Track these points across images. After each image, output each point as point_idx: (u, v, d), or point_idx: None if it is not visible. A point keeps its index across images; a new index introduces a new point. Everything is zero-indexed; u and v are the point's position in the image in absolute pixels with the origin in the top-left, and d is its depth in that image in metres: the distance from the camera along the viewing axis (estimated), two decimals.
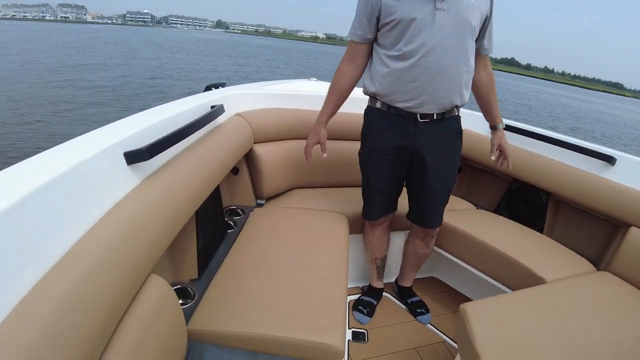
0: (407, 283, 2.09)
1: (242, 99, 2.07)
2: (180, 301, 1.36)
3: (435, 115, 1.55)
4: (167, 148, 1.13)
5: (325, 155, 1.70)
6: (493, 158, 1.77)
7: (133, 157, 1.00)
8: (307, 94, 2.28)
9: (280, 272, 1.40)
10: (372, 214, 1.83)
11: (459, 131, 1.65)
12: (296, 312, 1.22)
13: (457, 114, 1.61)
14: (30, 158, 0.83)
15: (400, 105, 1.55)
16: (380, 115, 1.63)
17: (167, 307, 0.96)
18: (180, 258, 1.40)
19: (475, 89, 1.68)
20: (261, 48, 59.36)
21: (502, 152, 1.77)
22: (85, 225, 0.82)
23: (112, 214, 0.89)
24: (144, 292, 0.92)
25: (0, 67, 14.58)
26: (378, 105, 1.62)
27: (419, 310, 2.02)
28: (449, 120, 1.59)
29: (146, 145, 1.03)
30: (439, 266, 2.35)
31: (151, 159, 1.06)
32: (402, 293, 2.11)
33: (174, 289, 1.37)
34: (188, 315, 1.22)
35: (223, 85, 2.39)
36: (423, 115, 1.54)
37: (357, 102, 1.75)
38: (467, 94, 1.59)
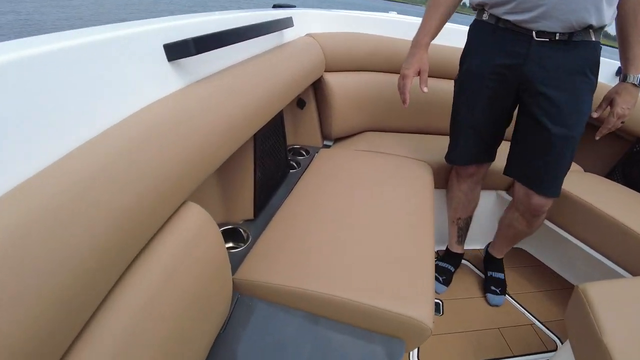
0: (497, 254, 1.74)
1: (315, 19, 1.76)
2: (231, 244, 1.16)
3: (557, 35, 1.12)
4: (218, 46, 0.87)
5: (425, 89, 1.33)
6: (595, 115, 1.28)
7: (175, 50, 0.76)
8: (391, 19, 1.90)
9: (352, 224, 1.14)
10: (459, 157, 1.47)
11: (595, 62, 1.18)
12: (374, 273, 0.96)
13: (592, 38, 1.15)
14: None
15: (511, 18, 1.16)
16: (485, 31, 1.25)
17: (205, 242, 0.74)
18: (234, 192, 1.19)
19: (619, 9, 1.17)
20: None
21: (612, 110, 1.25)
22: (101, 123, 0.60)
23: (142, 115, 0.66)
24: (178, 218, 0.71)
25: None
26: (485, 17, 1.24)
27: (492, 288, 1.68)
28: (580, 46, 1.14)
29: (193, 37, 0.78)
30: (532, 237, 1.96)
31: (199, 60, 0.82)
32: (488, 262, 1.77)
33: (225, 229, 1.17)
34: (238, 261, 1.02)
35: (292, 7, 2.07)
36: (540, 34, 1.13)
37: (451, 33, 1.44)
38: (610, 12, 1.12)
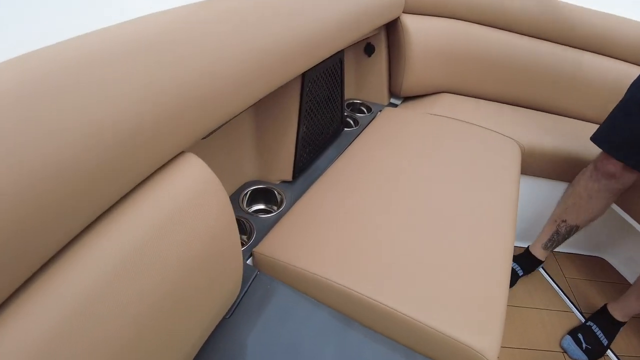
0: (621, 315, 1.28)
1: None
2: (261, 206, 0.99)
3: None
4: None
5: None
6: None
7: None
8: None
9: (411, 209, 0.91)
10: (618, 143, 1.11)
11: None
12: (430, 280, 0.74)
13: None
14: None
15: None
16: None
17: (206, 204, 0.55)
18: (272, 145, 1.00)
19: None
20: None
21: None
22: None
23: (149, 20, 0.47)
24: (176, 168, 0.53)
25: None
26: None
27: (579, 336, 1.29)
28: None
29: None
30: (614, 244, 1.61)
31: None
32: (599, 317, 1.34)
33: (256, 188, 0.99)
34: (266, 229, 0.85)
35: None
36: None
37: None
38: None
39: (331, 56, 1.02)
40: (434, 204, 0.93)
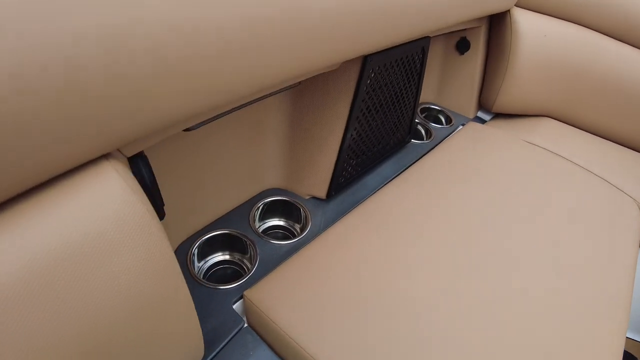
0: None
1: None
2: (281, 221, 0.76)
3: None
4: None
5: None
6: None
7: None
8: None
9: (487, 272, 0.61)
10: None
11: None
12: None
13: None
14: None
15: None
16: None
17: (123, 239, 0.32)
18: (305, 150, 0.75)
19: None
20: None
21: None
22: None
23: None
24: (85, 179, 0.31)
25: None
26: None
27: None
28: None
29: None
30: None
31: None
32: None
33: (276, 199, 0.76)
34: (278, 259, 0.62)
35: None
36: None
37: None
38: None
39: (410, 42, 0.74)
40: (518, 272, 0.62)
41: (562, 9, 1.07)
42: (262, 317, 0.54)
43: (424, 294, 0.56)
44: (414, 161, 0.94)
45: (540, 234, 0.71)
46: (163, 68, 0.30)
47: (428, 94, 1.21)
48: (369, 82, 0.69)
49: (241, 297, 0.60)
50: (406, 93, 0.85)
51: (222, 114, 0.53)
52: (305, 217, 0.75)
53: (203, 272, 0.70)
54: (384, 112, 0.81)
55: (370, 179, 0.87)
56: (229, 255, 0.72)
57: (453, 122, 1.14)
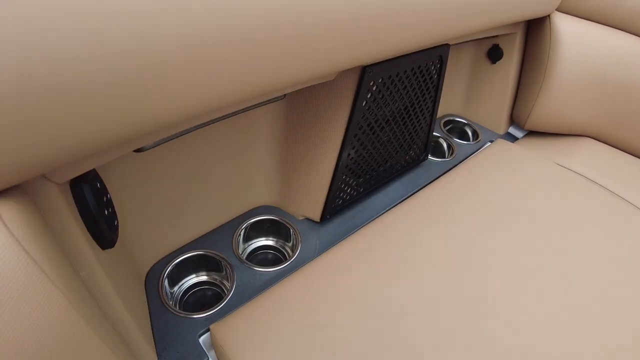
0: None
1: None
2: (269, 241, 0.69)
3: None
4: None
5: None
6: None
7: None
8: None
9: (496, 317, 0.52)
10: None
11: None
12: None
13: None
14: None
15: None
16: None
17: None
18: (297, 167, 0.69)
19: None
20: None
21: None
22: None
23: None
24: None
25: None
26: None
27: None
28: None
29: None
30: None
31: None
32: None
33: (263, 219, 0.70)
34: (264, 283, 0.56)
35: None
36: None
37: None
38: None
39: (423, 50, 0.66)
40: (547, 333, 0.51)
41: (612, 16, 0.93)
42: (227, 356, 0.48)
43: (420, 349, 0.48)
44: (429, 181, 0.85)
45: (571, 280, 0.59)
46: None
47: (454, 105, 1.10)
48: (369, 96, 0.61)
49: (208, 330, 0.55)
50: (420, 107, 0.76)
51: (196, 126, 0.48)
52: (295, 240, 0.69)
53: (181, 293, 0.65)
54: (391, 127, 0.72)
55: (377, 199, 0.79)
56: (207, 276, 0.66)
57: (480, 137, 1.03)
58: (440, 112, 1.08)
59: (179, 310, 0.57)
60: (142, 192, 0.57)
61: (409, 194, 0.81)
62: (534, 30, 0.97)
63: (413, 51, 0.63)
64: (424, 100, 0.76)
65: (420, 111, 0.77)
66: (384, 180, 0.81)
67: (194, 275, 0.65)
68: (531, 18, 0.90)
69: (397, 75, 0.64)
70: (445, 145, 1.00)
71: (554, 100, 0.95)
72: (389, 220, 0.66)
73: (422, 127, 0.81)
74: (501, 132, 1.06)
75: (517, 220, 0.68)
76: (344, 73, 0.57)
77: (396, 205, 0.72)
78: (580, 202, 0.76)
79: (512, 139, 1.05)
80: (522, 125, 1.02)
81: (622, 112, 0.95)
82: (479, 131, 1.05)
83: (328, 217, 0.70)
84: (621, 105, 0.94)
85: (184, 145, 0.58)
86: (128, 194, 0.55)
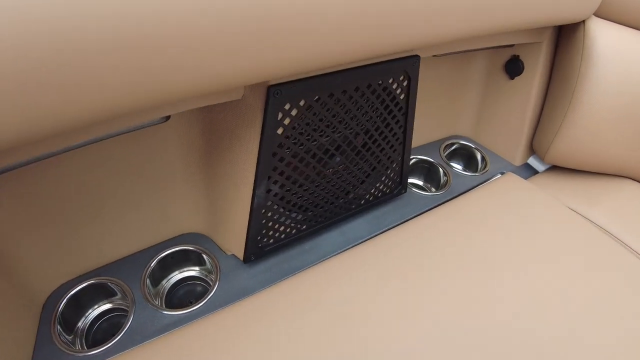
0: None
1: None
2: (192, 271, 0.62)
3: None
4: None
5: None
6: None
7: None
8: None
9: None
10: None
11: None
12: None
13: None
14: None
15: None
16: None
17: None
18: (220, 194, 0.60)
19: None
20: None
21: None
22: None
23: None
24: None
25: None
26: None
27: None
28: None
29: None
30: None
31: None
32: None
33: (181, 249, 0.63)
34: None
35: None
36: None
37: None
38: None
39: (378, 63, 0.53)
40: None
41: None
42: None
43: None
44: (403, 219, 0.71)
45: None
46: None
47: (462, 125, 0.93)
48: (287, 121, 0.50)
49: None
50: (382, 134, 0.63)
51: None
52: (214, 279, 0.60)
53: (87, 325, 0.59)
54: (342, 157, 0.60)
55: (329, 239, 0.67)
56: (111, 304, 0.60)
57: (488, 167, 0.85)
58: (444, 132, 0.92)
59: (68, 349, 0.52)
60: (36, 212, 0.52)
61: (373, 234, 0.68)
62: (565, 39, 0.77)
63: (349, 67, 0.51)
64: (386, 127, 0.62)
65: (384, 139, 0.63)
66: (342, 217, 0.68)
67: (96, 306, 0.60)
68: (559, 24, 0.71)
69: (330, 97, 0.52)
70: (441, 174, 0.84)
71: (581, 131, 0.74)
72: (334, 267, 0.54)
73: (390, 158, 0.67)
74: (517, 162, 0.87)
75: (492, 286, 0.52)
76: (251, 91, 0.47)
77: (352, 247, 0.60)
78: (584, 261, 0.57)
79: (531, 172, 0.86)
80: (542, 157, 0.82)
81: None
82: (488, 159, 0.87)
83: (253, 258, 0.60)
84: None
85: (84, 158, 0.52)
86: (22, 216, 0.51)
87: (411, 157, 0.84)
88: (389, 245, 0.58)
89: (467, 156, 0.91)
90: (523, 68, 0.81)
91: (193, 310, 0.56)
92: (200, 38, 0.32)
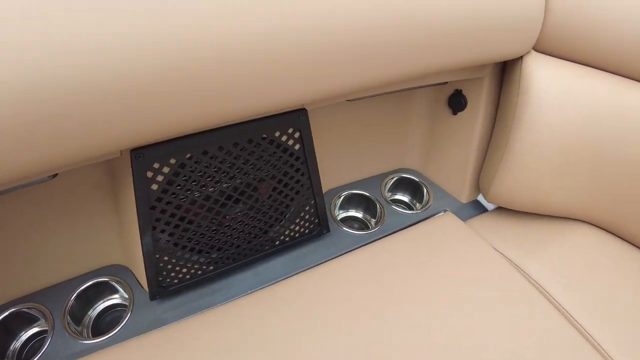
0: None
1: None
2: (117, 300, 0.67)
3: None
4: None
5: None
6: None
7: None
8: None
9: None
10: None
11: None
12: None
13: None
14: None
15: None
16: None
17: None
18: (123, 237, 0.65)
19: None
20: None
21: None
22: None
23: None
24: None
25: None
26: None
27: None
28: None
29: None
30: None
31: None
32: None
33: (92, 283, 0.67)
34: None
35: None
36: None
37: None
38: None
39: (256, 120, 0.54)
40: None
41: (604, 55, 0.65)
42: None
43: None
44: (324, 259, 0.72)
45: None
46: None
47: (411, 160, 0.90)
48: (161, 178, 0.53)
49: None
50: (283, 182, 0.64)
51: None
52: (126, 311, 0.65)
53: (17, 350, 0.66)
54: (242, 203, 0.62)
55: (242, 279, 0.69)
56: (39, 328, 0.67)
57: (430, 204, 0.83)
58: (390, 164, 0.90)
59: None
60: None
61: (289, 275, 0.69)
62: (506, 74, 0.73)
63: (223, 125, 0.52)
64: (285, 175, 0.63)
65: (286, 187, 0.64)
66: (257, 257, 0.70)
67: (22, 333, 0.67)
68: (493, 62, 0.68)
69: (205, 154, 0.54)
70: (379, 206, 0.83)
71: (520, 169, 0.70)
72: (244, 306, 0.57)
73: (301, 202, 0.68)
74: (464, 200, 0.83)
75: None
76: (122, 152, 0.50)
77: (264, 287, 0.62)
78: (502, 310, 0.55)
79: (480, 210, 0.82)
80: (485, 196, 0.78)
81: (618, 187, 0.66)
82: (431, 195, 0.84)
83: (157, 297, 0.64)
84: (619, 179, 0.65)
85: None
86: None
87: (347, 191, 0.84)
88: (303, 285, 0.59)
89: (413, 190, 0.89)
90: (466, 104, 0.78)
91: (95, 342, 0.61)
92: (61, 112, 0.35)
